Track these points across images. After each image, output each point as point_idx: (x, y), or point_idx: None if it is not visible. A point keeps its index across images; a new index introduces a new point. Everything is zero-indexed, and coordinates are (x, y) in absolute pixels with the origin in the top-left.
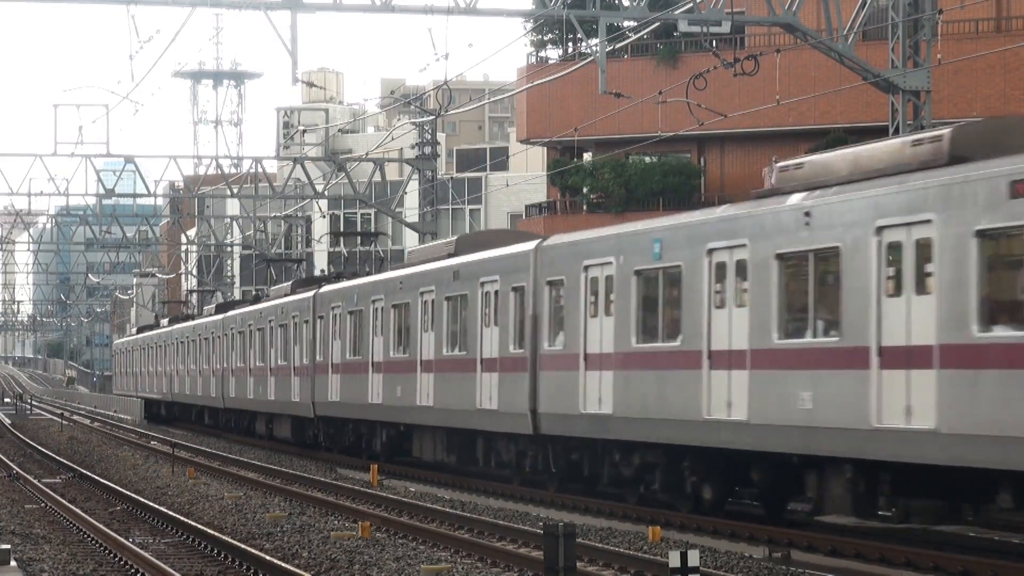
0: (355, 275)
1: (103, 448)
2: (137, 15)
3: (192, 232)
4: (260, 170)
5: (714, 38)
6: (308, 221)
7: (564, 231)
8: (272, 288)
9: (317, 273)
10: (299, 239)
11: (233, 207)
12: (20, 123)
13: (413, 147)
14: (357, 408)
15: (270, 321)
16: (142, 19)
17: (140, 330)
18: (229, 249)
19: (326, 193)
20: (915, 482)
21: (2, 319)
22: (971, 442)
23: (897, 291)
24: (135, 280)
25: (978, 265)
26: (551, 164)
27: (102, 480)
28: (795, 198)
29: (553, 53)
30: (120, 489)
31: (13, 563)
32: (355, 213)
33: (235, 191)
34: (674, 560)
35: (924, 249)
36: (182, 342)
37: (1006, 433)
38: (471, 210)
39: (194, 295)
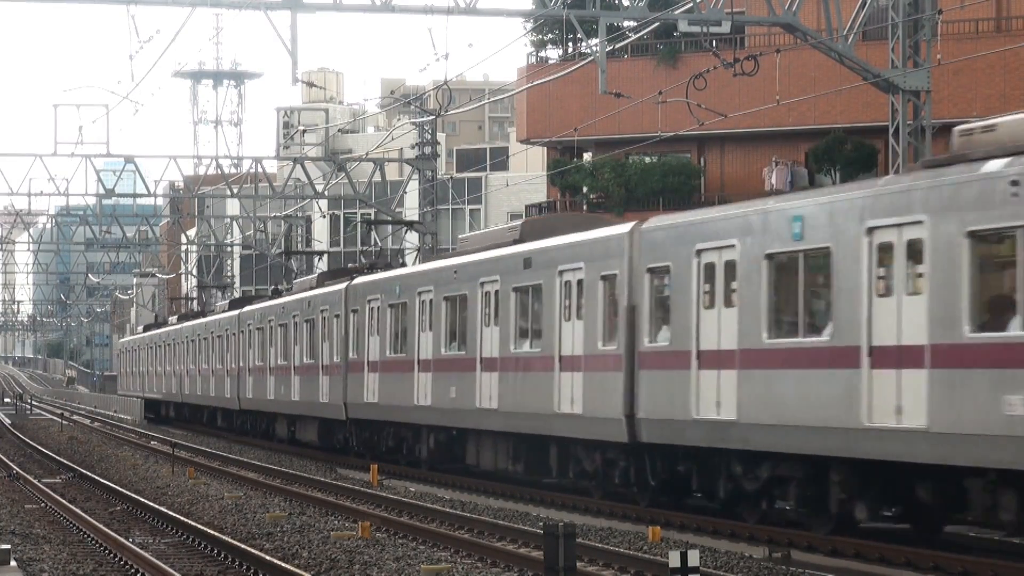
0: (388, 266)
1: (103, 448)
2: (137, 15)
3: (192, 232)
4: (260, 170)
5: (714, 38)
6: (308, 221)
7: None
8: (296, 281)
9: (318, 273)
10: (299, 239)
11: (233, 207)
12: (20, 123)
13: (413, 147)
14: (399, 410)
15: (294, 316)
16: (142, 19)
17: (147, 328)
18: (229, 249)
19: (326, 193)
20: None
21: (2, 319)
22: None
23: None
24: (135, 280)
25: None
26: (551, 164)
27: (102, 480)
28: (995, 164)
29: (553, 53)
30: (120, 489)
31: (13, 563)
32: (355, 213)
33: (235, 191)
34: (674, 560)
35: None
36: (193, 340)
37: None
38: (471, 210)
39: (203, 291)
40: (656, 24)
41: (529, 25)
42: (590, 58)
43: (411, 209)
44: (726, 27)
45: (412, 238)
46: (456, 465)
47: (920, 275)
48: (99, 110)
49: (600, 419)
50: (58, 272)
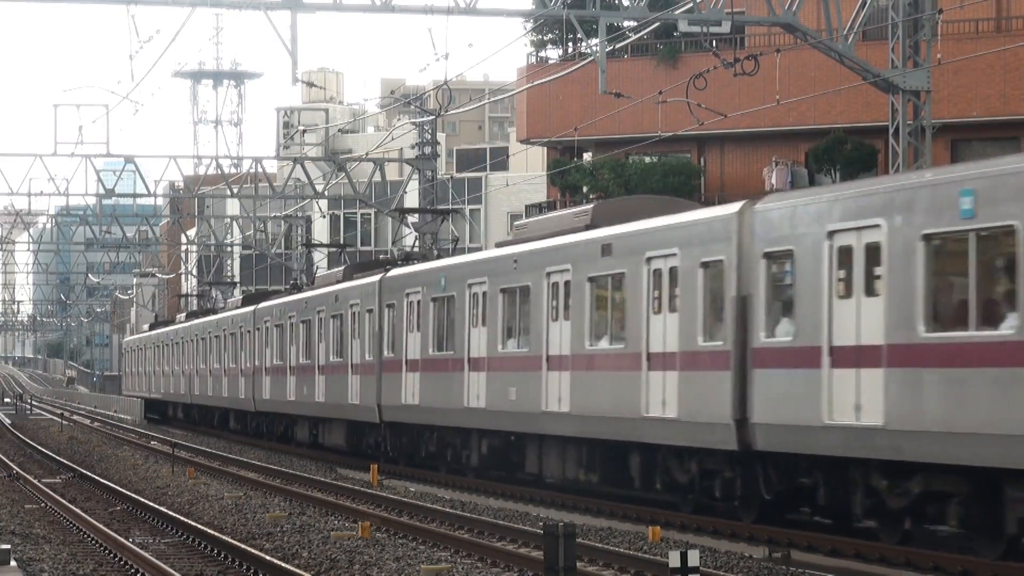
0: (424, 258)
1: (103, 448)
2: (137, 15)
3: (192, 232)
4: (260, 170)
5: (714, 38)
6: (308, 221)
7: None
8: (319, 274)
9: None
10: (299, 239)
11: (233, 207)
12: (20, 123)
13: (413, 147)
14: (445, 413)
15: (319, 311)
16: (142, 19)
17: (153, 326)
18: (229, 249)
19: (326, 193)
20: None
21: (2, 319)
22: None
23: None
24: (135, 280)
25: None
26: (551, 164)
27: (102, 480)
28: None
29: (553, 53)
30: (120, 489)
31: (13, 563)
32: (355, 213)
33: (235, 191)
34: (674, 560)
35: None
36: (204, 338)
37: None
38: (471, 210)
39: (213, 287)
40: (656, 24)
41: (529, 25)
42: (590, 58)
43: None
44: (726, 27)
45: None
46: (512, 474)
47: None
48: (99, 110)
49: (701, 424)
50: (58, 272)
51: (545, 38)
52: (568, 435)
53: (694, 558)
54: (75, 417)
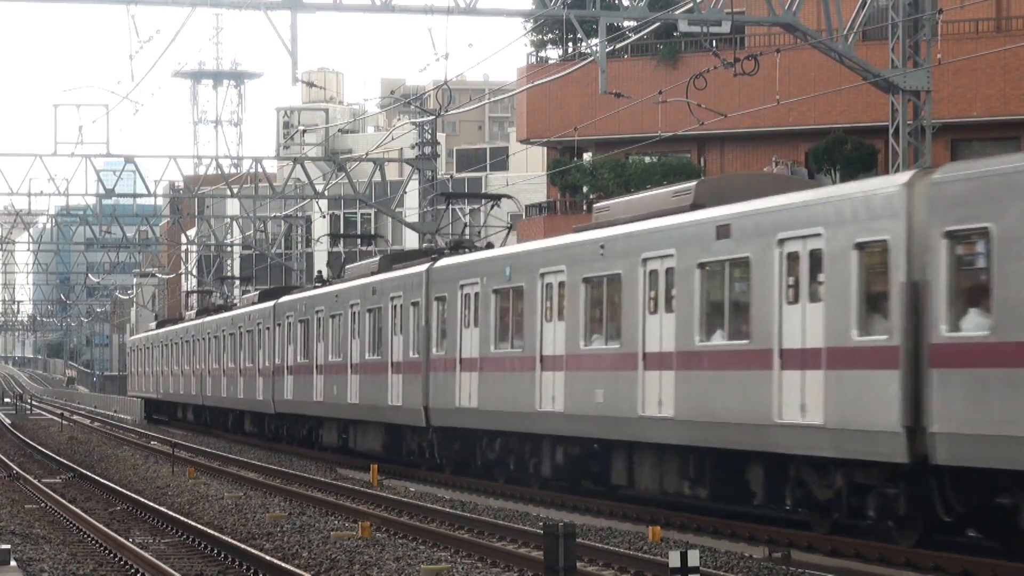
0: (474, 247)
1: (103, 448)
2: (137, 15)
3: (192, 232)
4: (260, 170)
5: (714, 38)
6: (308, 221)
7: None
8: (349, 266)
9: (317, 273)
10: (299, 239)
11: (233, 207)
12: (20, 123)
13: (413, 147)
14: (511, 417)
15: (352, 305)
16: (142, 19)
17: (160, 324)
18: (229, 249)
19: (326, 193)
20: None
21: (2, 319)
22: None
23: None
24: (135, 280)
25: None
26: (551, 164)
27: (102, 480)
28: None
29: (553, 53)
30: (120, 489)
31: (13, 563)
32: (355, 213)
33: (235, 191)
34: (674, 560)
35: None
36: (217, 336)
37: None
38: (471, 210)
39: (225, 283)
40: (656, 24)
41: (529, 25)
42: (590, 58)
43: (411, 209)
44: (726, 27)
45: (412, 239)
46: (591, 487)
47: None
48: (99, 110)
49: (857, 432)
50: (58, 272)
51: (545, 38)
52: (674, 443)
53: (694, 558)
54: (75, 417)
